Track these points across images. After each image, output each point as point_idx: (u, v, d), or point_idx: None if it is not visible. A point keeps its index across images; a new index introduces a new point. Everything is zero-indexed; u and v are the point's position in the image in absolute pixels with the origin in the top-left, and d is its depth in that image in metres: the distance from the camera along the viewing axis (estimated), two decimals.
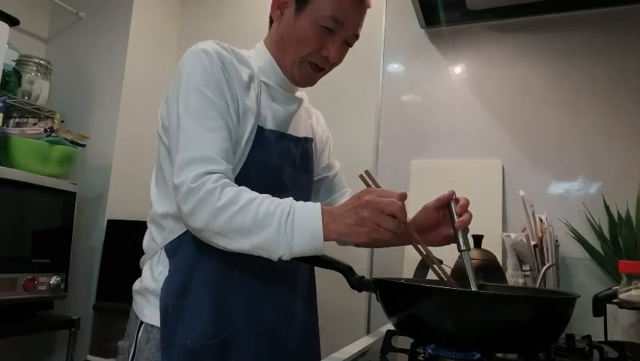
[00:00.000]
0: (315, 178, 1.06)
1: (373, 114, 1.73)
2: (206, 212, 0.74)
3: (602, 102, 1.44)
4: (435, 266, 0.84)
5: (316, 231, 0.73)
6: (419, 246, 0.84)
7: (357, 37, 0.93)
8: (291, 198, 0.77)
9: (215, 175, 0.76)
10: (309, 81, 0.95)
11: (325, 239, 0.74)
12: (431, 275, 1.01)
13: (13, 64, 1.79)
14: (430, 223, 0.89)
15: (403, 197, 0.74)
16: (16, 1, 1.98)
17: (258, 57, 0.94)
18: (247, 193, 0.76)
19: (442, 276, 0.84)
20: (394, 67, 1.75)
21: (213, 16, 2.14)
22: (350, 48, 0.94)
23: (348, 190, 1.14)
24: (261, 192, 0.78)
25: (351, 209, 0.74)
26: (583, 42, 1.49)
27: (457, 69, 1.65)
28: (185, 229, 0.83)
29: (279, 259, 0.75)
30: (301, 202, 0.77)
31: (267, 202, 0.75)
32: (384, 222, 0.72)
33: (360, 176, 0.84)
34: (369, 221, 0.72)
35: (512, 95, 1.56)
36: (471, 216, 0.84)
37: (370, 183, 0.83)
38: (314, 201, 1.06)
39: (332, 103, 1.53)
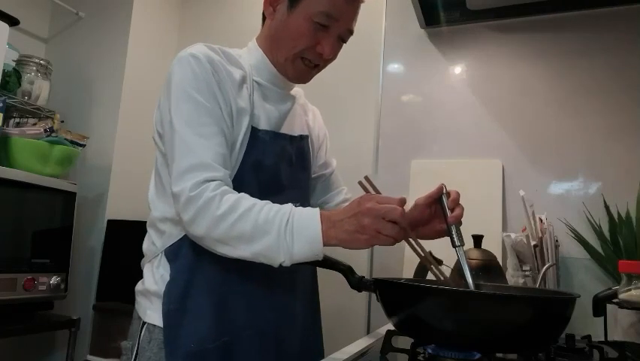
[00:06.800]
0: (312, 176, 1.05)
1: (373, 114, 1.73)
2: (207, 221, 0.74)
3: (602, 102, 1.44)
4: (433, 267, 0.84)
5: (315, 237, 0.73)
6: (417, 248, 0.84)
7: (351, 32, 0.91)
8: (290, 205, 0.77)
9: (214, 183, 0.76)
10: (303, 78, 0.94)
11: (325, 245, 0.74)
12: (431, 275, 1.01)
13: (13, 64, 1.78)
14: (422, 219, 0.88)
15: (403, 202, 0.74)
16: (16, 1, 1.97)
17: (250, 55, 0.93)
18: (246, 200, 0.76)
19: (440, 276, 0.84)
20: (394, 67, 1.75)
21: (213, 15, 2.14)
22: (349, 46, 0.93)
23: (344, 189, 1.13)
24: (258, 193, 0.78)
25: (352, 216, 0.73)
26: (583, 42, 1.49)
27: (457, 69, 1.65)
28: (183, 233, 0.83)
29: (280, 265, 0.75)
30: (300, 208, 0.76)
31: (266, 209, 0.75)
32: (385, 229, 0.72)
33: (360, 183, 0.83)
34: (369, 228, 0.72)
35: (512, 95, 1.55)
36: (463, 209, 0.83)
37: (370, 189, 0.83)
38: (312, 200, 1.04)
39: (332, 103, 1.52)
